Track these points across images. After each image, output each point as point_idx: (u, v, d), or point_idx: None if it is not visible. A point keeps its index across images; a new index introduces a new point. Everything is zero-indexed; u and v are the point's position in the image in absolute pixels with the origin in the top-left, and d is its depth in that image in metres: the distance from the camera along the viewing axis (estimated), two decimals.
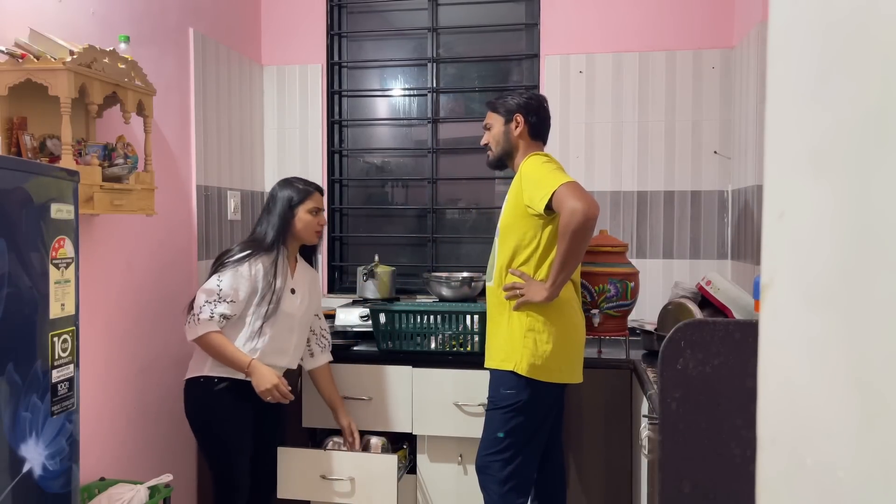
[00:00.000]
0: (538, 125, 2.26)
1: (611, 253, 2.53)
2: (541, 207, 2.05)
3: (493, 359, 2.22)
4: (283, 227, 2.30)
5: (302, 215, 2.32)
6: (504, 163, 2.30)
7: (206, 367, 2.24)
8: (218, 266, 2.27)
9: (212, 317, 2.17)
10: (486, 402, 2.52)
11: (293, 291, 2.35)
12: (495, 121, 2.28)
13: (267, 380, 2.20)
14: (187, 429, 2.80)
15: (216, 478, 2.32)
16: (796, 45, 0.47)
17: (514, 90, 2.39)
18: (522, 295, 2.12)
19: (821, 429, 0.43)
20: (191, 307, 2.24)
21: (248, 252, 2.25)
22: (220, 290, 2.20)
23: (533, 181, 2.10)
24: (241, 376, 2.23)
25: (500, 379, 2.18)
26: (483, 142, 2.33)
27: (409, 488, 2.65)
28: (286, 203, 2.32)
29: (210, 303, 2.19)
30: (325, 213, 2.45)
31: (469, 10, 3.32)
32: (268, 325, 2.26)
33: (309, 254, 2.51)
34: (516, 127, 2.24)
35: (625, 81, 3.07)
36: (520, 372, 2.13)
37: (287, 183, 2.37)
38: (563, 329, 2.16)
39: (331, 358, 2.56)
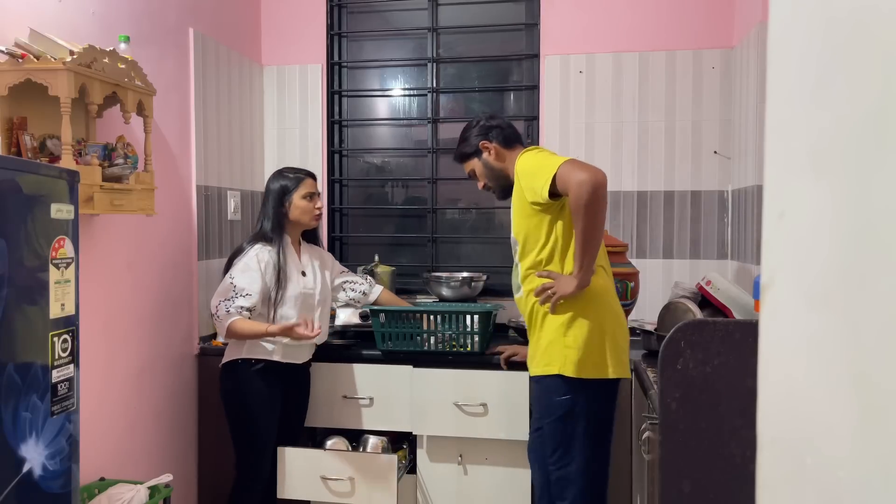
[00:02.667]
0: (503, 135, 2.24)
1: (611, 253, 2.53)
2: (545, 194, 1.98)
3: (537, 365, 2.14)
4: (279, 217, 2.44)
5: (297, 202, 2.45)
6: (509, 187, 2.24)
7: (243, 351, 2.38)
8: (228, 265, 2.42)
9: (229, 311, 2.30)
10: (485, 402, 2.52)
11: (304, 274, 2.47)
12: (472, 164, 2.28)
13: (291, 328, 2.26)
14: (187, 429, 2.81)
15: (241, 461, 2.43)
16: (796, 46, 0.47)
17: (462, 132, 2.32)
18: (555, 293, 2.04)
19: (821, 429, 0.43)
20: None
21: (251, 245, 2.40)
22: (234, 286, 2.34)
23: (529, 174, 2.06)
24: (276, 357, 2.38)
25: (550, 387, 2.10)
26: (480, 186, 2.32)
27: (409, 488, 2.65)
28: (279, 194, 2.45)
29: (227, 300, 2.32)
30: (322, 197, 2.60)
31: (469, 10, 3.32)
32: (291, 309, 2.40)
33: (311, 238, 2.63)
34: (490, 153, 2.24)
35: (625, 81, 3.07)
36: (566, 374, 2.06)
37: (279, 174, 2.51)
38: (601, 321, 2.07)
39: (382, 288, 2.78)
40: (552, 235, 2.09)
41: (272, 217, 2.43)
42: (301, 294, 2.43)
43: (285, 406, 2.49)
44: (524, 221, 2.13)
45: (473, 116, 2.39)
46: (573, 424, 2.07)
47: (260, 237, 2.42)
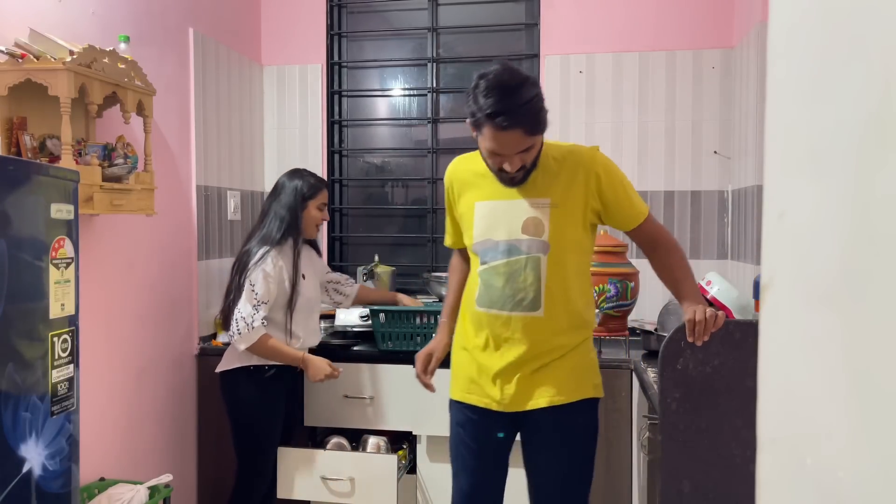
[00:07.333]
0: None
1: (611, 253, 2.53)
2: (633, 225, 1.90)
3: (563, 391, 1.86)
4: (293, 220, 2.36)
5: (312, 211, 2.41)
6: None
7: (254, 357, 2.32)
8: (241, 269, 2.33)
9: (263, 322, 2.28)
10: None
11: (304, 277, 2.44)
12: (535, 141, 1.74)
13: (321, 370, 2.36)
14: (187, 429, 2.80)
15: (243, 465, 2.40)
16: (796, 45, 0.47)
17: (529, 96, 1.69)
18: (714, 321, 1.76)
19: (821, 429, 0.43)
20: (224, 318, 2.36)
21: (266, 250, 2.32)
22: (257, 294, 2.28)
23: (627, 187, 1.88)
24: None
25: (581, 412, 1.90)
26: (515, 168, 1.73)
27: (409, 488, 2.65)
28: (297, 195, 2.38)
29: (257, 309, 2.28)
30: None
31: (469, 10, 3.32)
32: (298, 316, 2.38)
33: (310, 242, 2.58)
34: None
35: (625, 81, 3.07)
36: (597, 395, 1.93)
37: (297, 174, 2.44)
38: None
39: (358, 285, 2.75)
40: (586, 253, 1.91)
41: (287, 219, 2.35)
42: (305, 299, 2.41)
43: (286, 409, 2.49)
44: (572, 229, 1.82)
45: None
46: (592, 446, 1.95)
47: (272, 240, 2.33)
